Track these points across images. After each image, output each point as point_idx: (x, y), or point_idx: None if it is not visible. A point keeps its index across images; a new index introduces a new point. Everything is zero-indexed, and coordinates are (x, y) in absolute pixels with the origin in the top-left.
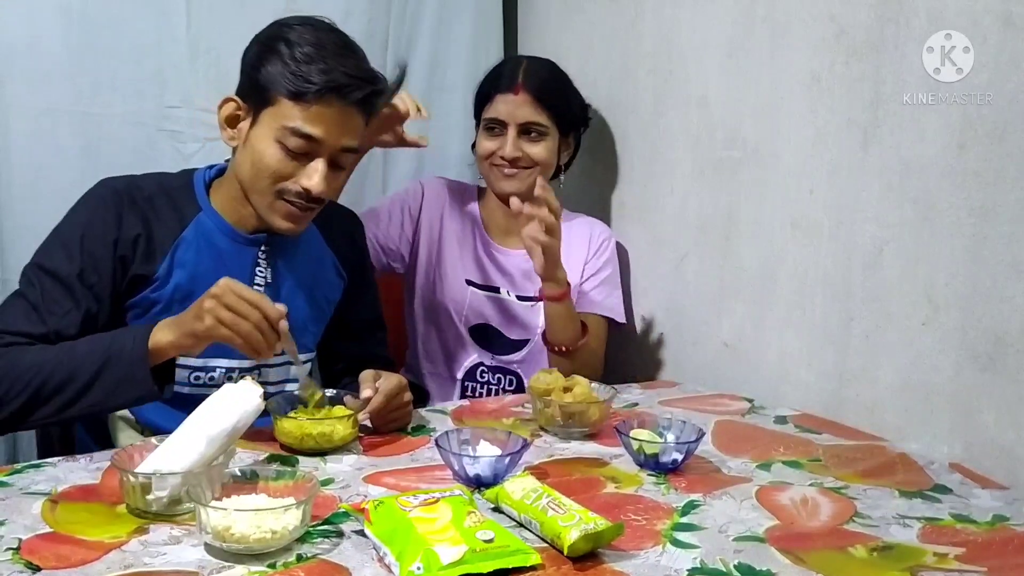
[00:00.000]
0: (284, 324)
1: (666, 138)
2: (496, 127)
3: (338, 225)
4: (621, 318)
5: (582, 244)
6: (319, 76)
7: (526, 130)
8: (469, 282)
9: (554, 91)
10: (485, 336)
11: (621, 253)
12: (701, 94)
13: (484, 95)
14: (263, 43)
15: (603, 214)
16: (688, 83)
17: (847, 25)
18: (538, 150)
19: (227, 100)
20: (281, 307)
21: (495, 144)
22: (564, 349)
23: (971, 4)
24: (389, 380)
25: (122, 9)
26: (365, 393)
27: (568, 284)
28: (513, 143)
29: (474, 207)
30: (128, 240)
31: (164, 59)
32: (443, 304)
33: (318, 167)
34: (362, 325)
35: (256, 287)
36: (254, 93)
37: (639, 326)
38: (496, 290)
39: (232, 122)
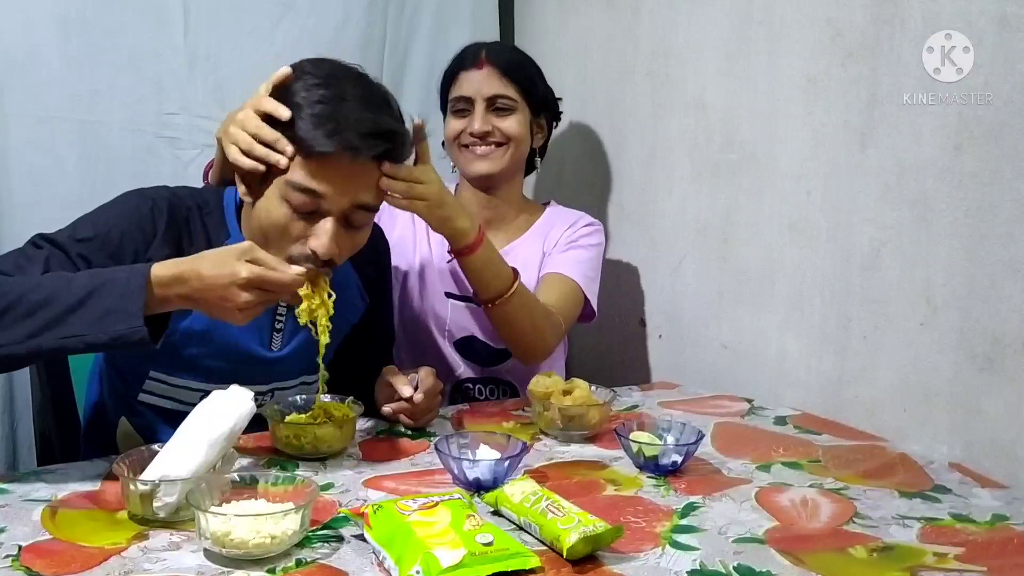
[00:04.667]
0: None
1: (664, 141)
2: (463, 106)
3: (367, 246)
4: (586, 294)
5: (564, 225)
6: (327, 140)
7: (494, 104)
8: (449, 295)
9: (520, 66)
10: (471, 349)
11: (616, 255)
12: (699, 97)
13: (449, 77)
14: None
15: (602, 217)
16: (686, 86)
17: (843, 28)
18: (509, 124)
19: None
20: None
21: (463, 123)
22: (495, 303)
23: (967, 5)
24: (427, 378)
25: (120, 18)
26: (405, 392)
27: (480, 229)
28: (482, 118)
29: None
30: (157, 258)
31: (162, 67)
32: (426, 321)
33: (326, 227)
34: (377, 342)
35: (278, 318)
36: None
37: (638, 328)
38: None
39: (245, 179)
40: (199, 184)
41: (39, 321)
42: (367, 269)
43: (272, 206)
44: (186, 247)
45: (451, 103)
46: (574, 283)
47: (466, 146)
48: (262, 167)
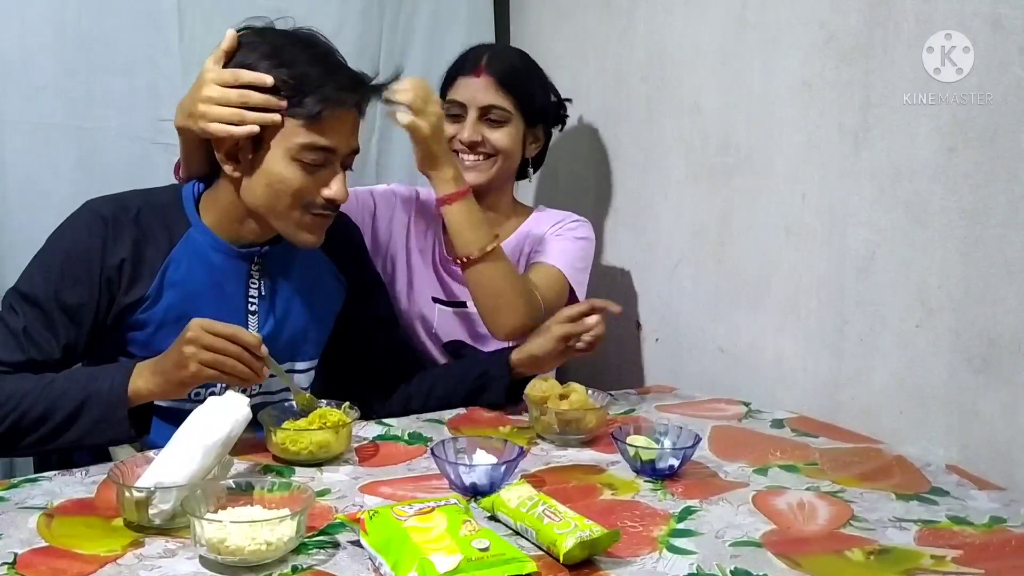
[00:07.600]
0: (264, 349)
1: (659, 145)
2: (457, 111)
3: (334, 231)
4: (571, 284)
5: (548, 224)
6: (322, 96)
7: (487, 114)
8: (435, 299)
9: (519, 77)
10: (460, 354)
11: (612, 259)
12: (694, 101)
13: (448, 79)
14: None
15: (597, 221)
16: (681, 90)
17: (836, 31)
18: (499, 136)
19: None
20: (257, 335)
21: (454, 129)
22: (469, 258)
23: (960, 7)
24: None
25: (115, 24)
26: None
27: (465, 183)
28: (473, 127)
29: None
30: (113, 266)
31: (157, 73)
32: (413, 324)
33: (338, 176)
34: (374, 322)
35: (250, 300)
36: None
37: (635, 332)
38: (463, 304)
39: (233, 156)
40: None
41: (42, 433)
42: (338, 252)
43: (283, 170)
44: (143, 245)
45: (446, 106)
46: (556, 270)
47: (456, 151)
48: (256, 128)
